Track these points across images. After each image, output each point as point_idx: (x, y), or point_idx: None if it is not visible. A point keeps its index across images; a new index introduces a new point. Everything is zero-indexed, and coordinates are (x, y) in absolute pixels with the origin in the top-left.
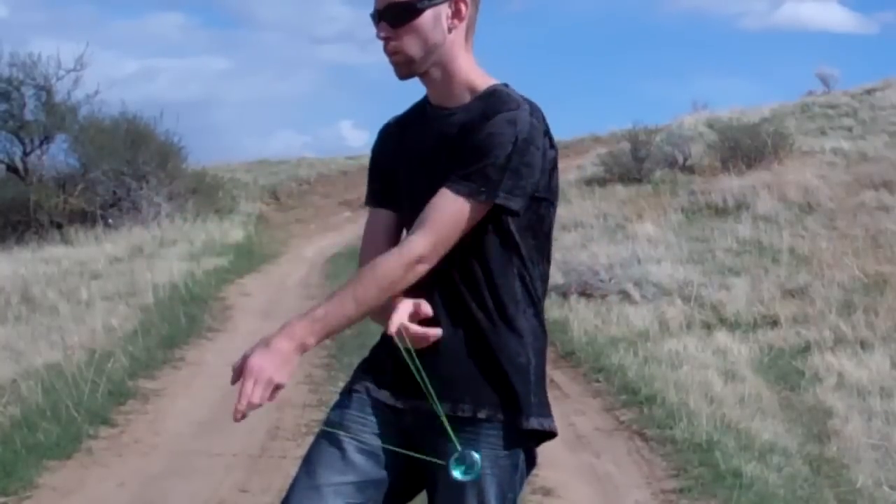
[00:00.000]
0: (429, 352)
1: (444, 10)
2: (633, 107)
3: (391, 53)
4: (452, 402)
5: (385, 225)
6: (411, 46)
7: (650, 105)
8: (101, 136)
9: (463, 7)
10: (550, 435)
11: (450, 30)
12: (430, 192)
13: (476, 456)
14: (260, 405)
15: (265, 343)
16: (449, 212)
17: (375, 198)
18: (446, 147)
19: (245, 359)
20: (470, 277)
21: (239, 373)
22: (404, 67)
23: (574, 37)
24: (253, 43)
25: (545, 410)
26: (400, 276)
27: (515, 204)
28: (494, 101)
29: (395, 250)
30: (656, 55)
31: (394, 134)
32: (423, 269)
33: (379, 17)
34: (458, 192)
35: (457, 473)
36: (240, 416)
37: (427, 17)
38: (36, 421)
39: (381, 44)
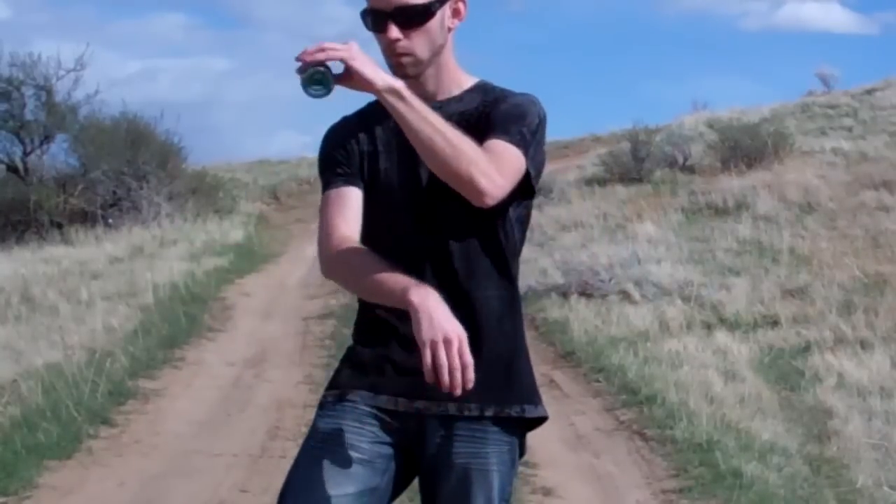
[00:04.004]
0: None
1: (447, 10)
2: (633, 107)
3: (401, 55)
4: (458, 402)
5: (359, 204)
6: (421, 48)
7: (650, 105)
8: (102, 136)
9: (461, 7)
10: (544, 420)
11: (449, 30)
12: (431, 178)
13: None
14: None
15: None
16: (513, 159)
17: (344, 176)
18: None
19: None
20: (475, 273)
21: None
22: (412, 68)
23: (574, 37)
24: (254, 43)
25: (539, 396)
26: (473, 167)
27: (535, 178)
28: (497, 90)
29: (488, 154)
30: (656, 55)
31: (357, 126)
32: (485, 188)
33: (386, 18)
34: (512, 143)
35: (312, 91)
36: None
37: (437, 18)
38: (36, 421)
39: (378, 43)
